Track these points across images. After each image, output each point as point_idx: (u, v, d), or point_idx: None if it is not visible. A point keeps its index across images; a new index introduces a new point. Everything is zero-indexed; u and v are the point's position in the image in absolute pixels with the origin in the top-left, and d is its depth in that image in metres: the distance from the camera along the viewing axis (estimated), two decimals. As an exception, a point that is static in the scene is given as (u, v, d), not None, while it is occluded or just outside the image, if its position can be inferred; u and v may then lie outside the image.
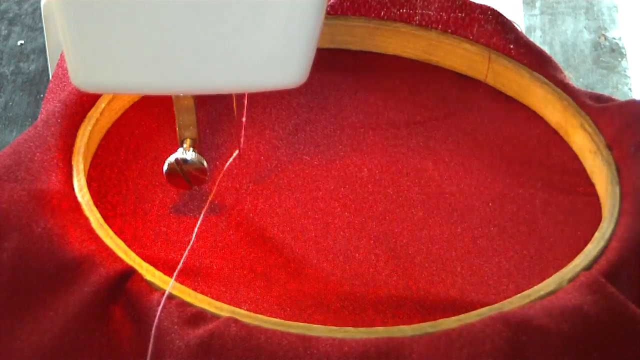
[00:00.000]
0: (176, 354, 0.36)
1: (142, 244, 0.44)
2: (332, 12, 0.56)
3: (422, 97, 0.54)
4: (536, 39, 0.78)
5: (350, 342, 0.36)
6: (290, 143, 0.51)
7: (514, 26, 0.55)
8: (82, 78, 0.38)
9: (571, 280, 0.39)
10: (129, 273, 0.38)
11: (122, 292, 0.38)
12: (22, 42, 0.75)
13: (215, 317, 0.37)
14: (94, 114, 0.48)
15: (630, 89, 0.73)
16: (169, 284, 0.38)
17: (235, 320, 0.36)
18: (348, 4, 0.56)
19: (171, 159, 0.44)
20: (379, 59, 0.57)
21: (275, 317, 0.38)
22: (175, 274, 0.39)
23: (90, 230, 0.40)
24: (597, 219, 0.45)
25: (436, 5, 0.55)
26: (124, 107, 0.51)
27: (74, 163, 0.44)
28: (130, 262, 0.39)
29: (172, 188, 0.46)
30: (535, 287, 0.39)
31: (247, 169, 0.49)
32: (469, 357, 0.35)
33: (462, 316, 0.37)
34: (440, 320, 0.37)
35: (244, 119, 0.49)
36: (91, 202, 0.42)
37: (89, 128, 0.47)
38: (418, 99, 0.54)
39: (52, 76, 0.53)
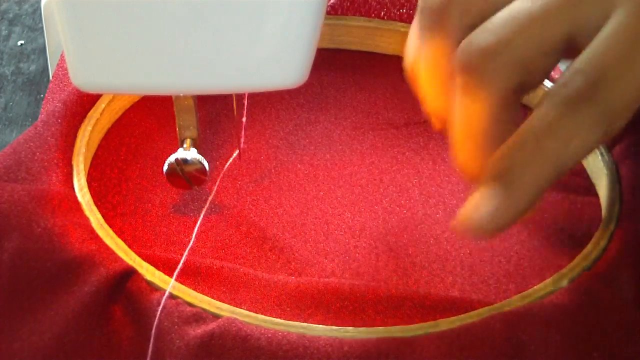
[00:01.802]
0: (176, 353, 0.36)
1: (143, 244, 0.44)
2: (332, 12, 0.56)
3: (422, 97, 0.54)
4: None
5: (350, 342, 0.36)
6: (290, 143, 0.51)
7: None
8: (82, 78, 0.38)
9: (571, 280, 0.39)
10: (129, 273, 0.38)
11: (123, 292, 0.38)
12: (22, 42, 0.75)
13: (215, 317, 0.37)
14: (94, 114, 0.48)
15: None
16: (169, 284, 0.38)
17: (235, 320, 0.36)
18: (348, 4, 0.56)
19: (171, 159, 0.44)
20: (379, 59, 0.57)
21: (275, 317, 0.37)
22: (175, 274, 0.39)
23: (91, 230, 0.40)
24: (597, 219, 0.45)
25: (436, 6, 0.55)
26: (124, 107, 0.51)
27: (74, 163, 0.44)
28: (130, 262, 0.39)
29: (172, 188, 0.46)
30: (535, 287, 0.39)
31: (247, 169, 0.49)
32: (469, 357, 0.35)
33: (462, 316, 0.37)
34: (440, 320, 0.37)
35: (244, 119, 0.49)
36: (91, 202, 0.42)
37: (89, 128, 0.47)
38: (418, 98, 0.54)
39: (52, 76, 0.53)
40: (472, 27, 0.38)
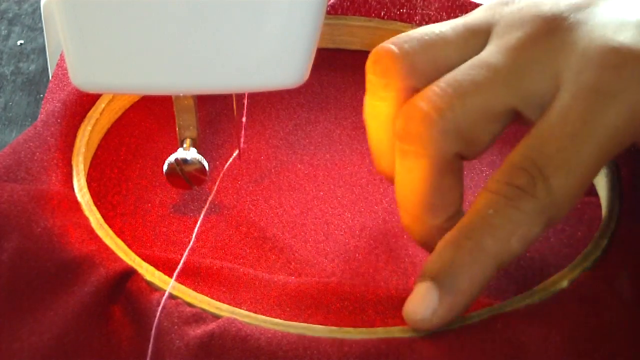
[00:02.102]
0: (176, 354, 0.36)
1: (142, 244, 0.44)
2: (333, 12, 0.56)
3: (422, 97, 0.54)
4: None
5: (350, 342, 0.36)
6: (290, 143, 0.51)
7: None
8: (82, 78, 0.38)
9: (571, 281, 0.39)
10: (129, 273, 0.38)
11: (122, 292, 0.38)
12: (22, 42, 0.74)
13: (215, 317, 0.37)
14: (94, 114, 0.48)
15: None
16: (169, 284, 0.38)
17: (235, 320, 0.36)
18: (348, 4, 0.56)
19: (171, 159, 0.44)
20: (380, 58, 0.57)
21: (275, 317, 0.37)
22: (175, 274, 0.39)
23: (90, 231, 0.40)
24: (597, 219, 0.45)
25: (436, 6, 0.55)
26: (124, 107, 0.51)
27: (73, 163, 0.44)
28: (130, 262, 0.39)
29: (172, 188, 0.46)
30: (535, 287, 0.39)
31: (247, 169, 0.49)
32: (469, 358, 0.35)
33: (462, 316, 0.37)
34: (441, 321, 0.37)
35: (244, 119, 0.49)
36: (91, 202, 0.42)
37: (89, 128, 0.47)
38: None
39: (52, 76, 0.53)
40: (416, 89, 0.38)
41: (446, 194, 0.37)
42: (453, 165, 0.37)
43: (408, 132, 0.36)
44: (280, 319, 0.37)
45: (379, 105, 0.39)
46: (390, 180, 0.41)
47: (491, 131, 0.37)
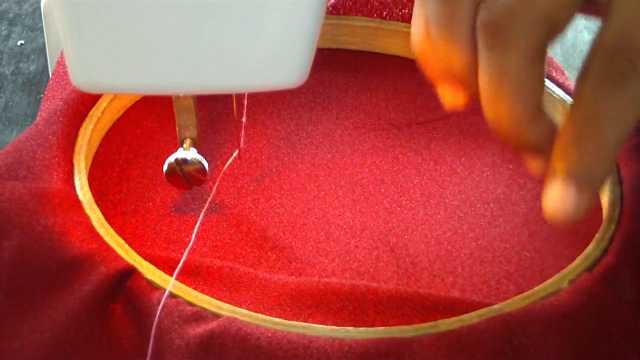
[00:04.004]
0: (176, 352, 0.36)
1: (143, 242, 0.44)
2: (335, 12, 0.56)
3: (424, 97, 0.54)
4: (536, 40, 0.78)
5: (351, 342, 0.36)
6: (291, 142, 0.51)
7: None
8: (82, 78, 0.38)
9: (572, 281, 0.39)
10: (130, 272, 0.38)
11: (123, 290, 0.38)
12: (22, 42, 0.75)
13: (215, 316, 0.37)
14: (95, 112, 0.48)
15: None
16: (169, 283, 0.38)
17: (235, 320, 0.36)
18: (350, 3, 0.56)
19: (171, 159, 0.44)
20: (381, 59, 0.57)
21: (276, 317, 0.37)
22: (175, 273, 0.39)
23: (91, 229, 0.40)
24: (598, 220, 0.45)
25: (438, 6, 0.55)
26: (126, 106, 0.51)
27: (75, 161, 0.44)
28: (130, 261, 0.39)
29: (173, 187, 0.46)
30: (535, 288, 0.39)
31: (248, 169, 0.49)
32: (469, 358, 0.35)
33: (462, 317, 0.37)
34: (441, 321, 0.37)
35: (244, 119, 0.49)
36: (92, 201, 0.42)
37: (91, 127, 0.47)
38: (420, 99, 0.54)
39: (52, 74, 0.53)
40: None
41: (538, 79, 0.38)
42: (542, 51, 0.38)
43: (496, 24, 0.37)
44: (281, 318, 0.37)
45: (447, 11, 0.39)
46: (463, 87, 0.40)
47: (571, 13, 0.38)
